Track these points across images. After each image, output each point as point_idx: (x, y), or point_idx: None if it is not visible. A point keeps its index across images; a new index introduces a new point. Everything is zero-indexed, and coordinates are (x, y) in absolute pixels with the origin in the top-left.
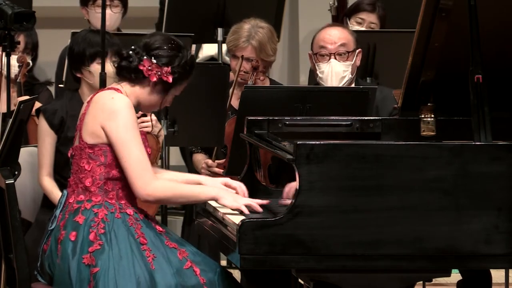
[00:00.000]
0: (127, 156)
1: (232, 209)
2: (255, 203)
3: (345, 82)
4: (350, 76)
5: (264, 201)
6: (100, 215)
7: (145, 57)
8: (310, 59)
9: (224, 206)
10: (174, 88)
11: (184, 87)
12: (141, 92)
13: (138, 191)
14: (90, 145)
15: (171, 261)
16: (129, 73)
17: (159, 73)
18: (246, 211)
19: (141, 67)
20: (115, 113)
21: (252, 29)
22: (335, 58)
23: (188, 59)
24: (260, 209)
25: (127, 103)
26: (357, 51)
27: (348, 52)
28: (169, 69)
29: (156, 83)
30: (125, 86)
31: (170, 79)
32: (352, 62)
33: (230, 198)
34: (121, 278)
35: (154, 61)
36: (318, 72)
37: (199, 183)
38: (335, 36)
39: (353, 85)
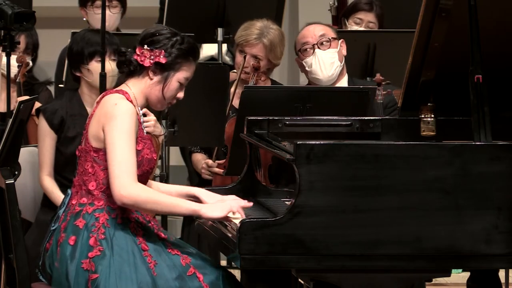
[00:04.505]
0: (112, 158)
1: (222, 219)
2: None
3: (336, 69)
4: (339, 63)
5: (249, 204)
6: (101, 220)
7: (138, 46)
8: (298, 63)
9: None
10: (174, 72)
11: (189, 74)
12: (144, 84)
13: (114, 192)
14: (95, 149)
15: (173, 267)
16: (127, 66)
17: (152, 56)
18: (236, 211)
19: (135, 56)
20: (114, 117)
21: (264, 28)
22: (319, 48)
23: (184, 41)
24: (243, 216)
25: (129, 110)
26: (340, 40)
27: (330, 38)
28: (162, 51)
29: (153, 68)
30: (131, 86)
31: (164, 60)
32: (337, 50)
33: (216, 211)
34: (123, 284)
35: (148, 47)
36: (307, 68)
37: (194, 196)
38: (314, 30)
39: (345, 78)
